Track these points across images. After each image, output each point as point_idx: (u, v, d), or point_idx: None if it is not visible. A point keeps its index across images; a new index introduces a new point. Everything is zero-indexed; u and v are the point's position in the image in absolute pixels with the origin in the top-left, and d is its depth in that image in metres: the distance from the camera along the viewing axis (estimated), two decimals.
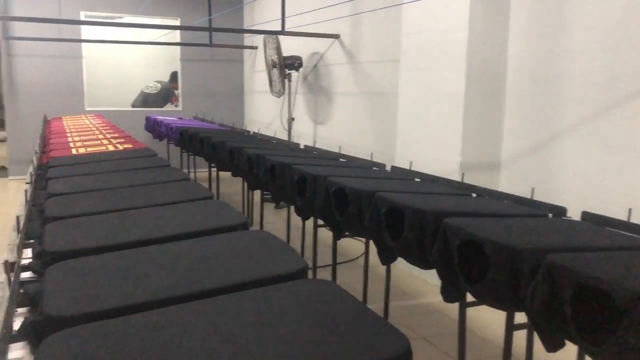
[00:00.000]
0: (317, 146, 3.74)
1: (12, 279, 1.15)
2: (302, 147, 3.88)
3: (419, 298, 3.38)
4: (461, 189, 2.33)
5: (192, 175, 5.13)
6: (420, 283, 3.60)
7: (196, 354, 0.86)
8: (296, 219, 3.27)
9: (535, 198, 2.05)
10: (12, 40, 6.59)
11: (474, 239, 1.46)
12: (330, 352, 0.85)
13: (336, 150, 3.52)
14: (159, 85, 8.07)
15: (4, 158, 7.38)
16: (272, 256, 1.28)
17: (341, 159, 3.25)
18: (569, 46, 2.92)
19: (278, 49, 5.48)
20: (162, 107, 7.92)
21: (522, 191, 2.89)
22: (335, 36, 5.20)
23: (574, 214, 1.91)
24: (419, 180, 2.59)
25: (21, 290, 1.22)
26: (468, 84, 3.23)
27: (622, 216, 1.73)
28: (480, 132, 3.32)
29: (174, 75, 7.91)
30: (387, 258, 2.01)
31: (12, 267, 1.34)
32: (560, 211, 1.89)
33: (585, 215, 1.81)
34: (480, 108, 3.29)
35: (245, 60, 7.83)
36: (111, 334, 0.92)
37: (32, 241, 1.56)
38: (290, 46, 5.77)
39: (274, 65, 5.58)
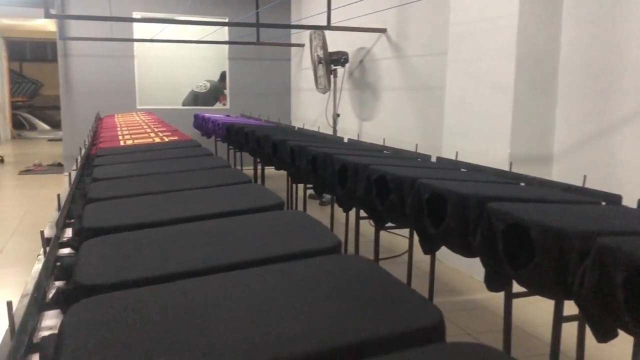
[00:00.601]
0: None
1: (47, 251, 1.16)
2: (346, 140, 3.85)
3: (465, 294, 3.29)
4: (509, 178, 2.24)
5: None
6: (467, 279, 3.50)
7: (222, 323, 0.83)
8: (340, 215, 3.23)
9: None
10: (68, 41, 6.83)
11: (520, 223, 1.39)
12: (360, 323, 0.81)
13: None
14: (208, 84, 8.21)
15: (61, 155, 7.66)
16: (305, 233, 1.25)
17: (385, 152, 3.20)
18: (626, 32, 2.78)
19: (324, 44, 5.47)
20: (211, 105, 8.06)
21: (577, 183, 2.76)
22: (382, 30, 5.14)
23: (631, 204, 1.80)
24: (464, 170, 2.52)
25: (58, 263, 1.23)
26: (518, 73, 3.12)
27: None
28: (530, 124, 3.20)
29: (223, 75, 8.03)
30: (429, 247, 1.95)
31: (48, 242, 1.36)
32: (614, 199, 1.78)
33: None
34: (530, 98, 3.17)
35: (292, 58, 7.86)
36: (138, 302, 0.91)
37: (72, 221, 1.58)
38: (336, 41, 5.75)
39: (320, 61, 5.56)
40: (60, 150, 7.73)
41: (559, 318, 1.59)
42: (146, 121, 5.17)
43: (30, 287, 0.95)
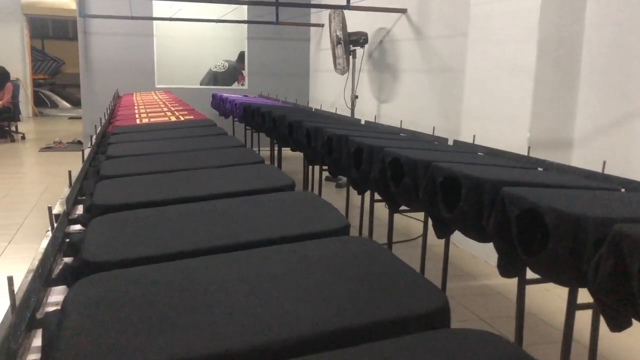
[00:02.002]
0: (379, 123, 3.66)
1: (55, 227, 1.16)
2: (362, 122, 3.81)
3: (480, 279, 3.26)
4: (527, 163, 2.20)
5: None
6: (481, 264, 3.47)
7: (224, 302, 0.83)
8: (356, 198, 3.21)
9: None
10: (88, 19, 6.85)
11: (534, 208, 1.36)
12: (363, 306, 0.79)
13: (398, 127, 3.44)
14: (226, 64, 8.18)
15: (81, 133, 7.73)
16: (314, 215, 1.23)
17: (402, 134, 3.16)
18: None
19: (343, 24, 5.40)
20: (229, 85, 8.03)
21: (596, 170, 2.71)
22: (402, 10, 5.05)
23: None
24: (481, 154, 2.48)
25: (67, 240, 1.24)
26: (539, 55, 3.05)
27: None
28: (551, 108, 3.13)
29: (241, 56, 7.99)
30: (443, 231, 1.93)
31: (57, 218, 1.37)
32: (635, 186, 1.74)
33: None
34: (552, 82, 3.10)
35: (311, 39, 7.79)
36: (142, 279, 0.90)
37: (84, 198, 1.59)
38: (355, 21, 5.68)
39: (339, 42, 5.50)
40: (80, 128, 7.81)
41: (572, 306, 1.56)
42: (164, 100, 5.18)
43: (36, 262, 0.96)
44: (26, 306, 0.83)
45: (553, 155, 3.16)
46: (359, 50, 5.58)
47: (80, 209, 1.57)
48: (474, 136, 2.64)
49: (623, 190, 1.72)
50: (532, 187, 1.58)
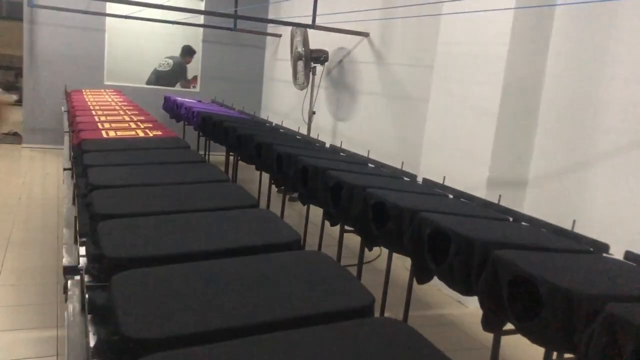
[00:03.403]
0: (337, 143, 3.73)
1: (80, 292, 1.15)
2: (327, 145, 3.87)
3: (435, 308, 3.39)
4: (498, 211, 2.33)
5: (207, 158, 5.13)
6: (435, 292, 3.61)
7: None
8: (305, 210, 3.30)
9: (563, 224, 2.07)
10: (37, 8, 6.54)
11: (528, 277, 1.46)
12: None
13: (359, 150, 3.54)
14: (170, 62, 7.93)
15: (17, 123, 7.35)
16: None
17: (370, 164, 3.25)
18: (608, 73, 2.91)
19: (305, 40, 5.45)
20: (174, 85, 7.81)
21: (548, 213, 2.90)
22: (365, 34, 5.16)
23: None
24: (451, 196, 2.59)
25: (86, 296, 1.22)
26: (503, 100, 3.22)
27: None
28: (510, 150, 3.31)
29: (185, 50, 7.77)
30: (424, 278, 2.02)
31: (66, 270, 1.35)
32: (602, 247, 1.89)
33: (629, 255, 1.81)
34: (512, 125, 3.28)
35: (267, 47, 7.78)
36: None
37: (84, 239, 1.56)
38: (316, 39, 5.74)
39: (300, 57, 5.54)
40: (17, 117, 7.42)
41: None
42: (119, 103, 5.05)
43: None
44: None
45: (509, 193, 3.35)
46: (318, 67, 5.65)
47: (76, 249, 1.54)
48: (444, 177, 2.75)
49: (596, 252, 1.86)
50: (519, 248, 1.68)
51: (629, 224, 2.76)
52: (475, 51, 3.38)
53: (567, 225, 2.10)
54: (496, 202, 2.44)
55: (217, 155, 6.10)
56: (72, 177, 2.22)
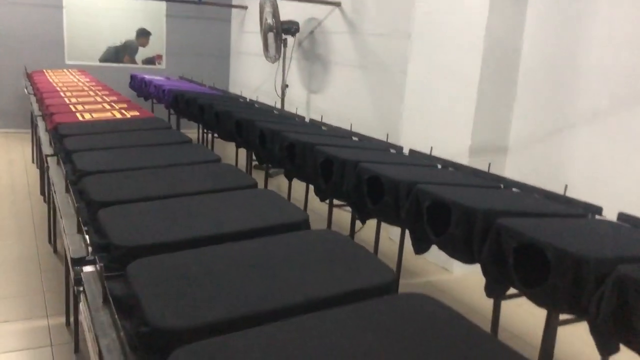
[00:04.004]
0: (311, 116, 3.71)
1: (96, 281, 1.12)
2: (307, 120, 3.84)
3: (422, 276, 3.44)
4: (488, 179, 2.35)
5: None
6: (420, 260, 3.66)
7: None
8: (286, 185, 3.29)
9: (546, 187, 2.13)
10: None
11: (535, 244, 1.49)
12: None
13: (335, 123, 3.54)
14: (123, 39, 7.67)
15: None
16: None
17: (354, 137, 3.24)
18: (586, 35, 2.94)
19: (275, 11, 5.35)
20: (122, 59, 7.51)
21: (530, 178, 2.95)
22: (336, 3, 5.09)
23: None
24: (440, 166, 2.61)
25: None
26: (484, 67, 3.23)
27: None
28: (490, 117, 3.34)
29: (139, 32, 7.54)
30: (422, 249, 2.04)
31: (76, 262, 1.31)
32: (595, 210, 1.93)
33: (622, 216, 1.86)
34: (492, 92, 3.30)
35: (233, 20, 7.61)
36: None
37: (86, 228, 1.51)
38: (286, 10, 5.63)
39: (270, 29, 5.44)
40: None
41: (552, 322, 1.72)
42: (86, 84, 4.88)
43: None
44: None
45: (490, 160, 3.39)
46: (289, 39, 5.56)
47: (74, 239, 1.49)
48: (431, 148, 2.77)
49: (590, 215, 1.91)
50: (520, 216, 1.71)
51: (610, 185, 2.83)
52: (454, 19, 3.37)
53: (552, 189, 2.15)
54: (483, 169, 2.47)
55: (189, 133, 5.99)
56: (58, 163, 2.14)
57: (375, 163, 2.31)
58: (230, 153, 4.33)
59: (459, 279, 3.41)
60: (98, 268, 1.21)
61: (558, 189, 2.16)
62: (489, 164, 2.47)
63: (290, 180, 3.00)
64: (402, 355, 0.88)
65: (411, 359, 0.87)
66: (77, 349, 2.30)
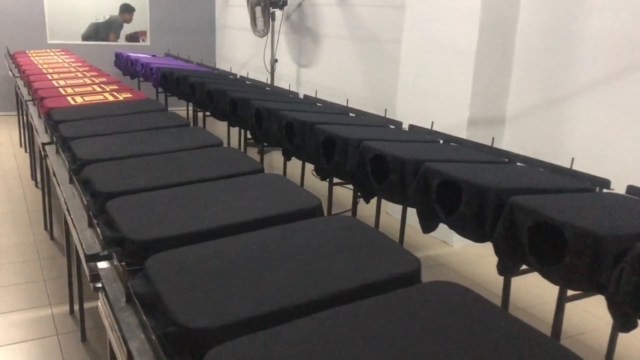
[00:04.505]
0: (301, 91, 3.65)
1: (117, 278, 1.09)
2: (301, 96, 3.79)
3: (423, 250, 3.46)
4: (493, 154, 2.34)
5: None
6: (420, 234, 3.67)
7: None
8: (277, 162, 3.25)
9: (542, 157, 2.14)
10: None
11: (552, 222, 1.48)
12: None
13: (326, 97, 3.50)
14: (107, 16, 7.49)
15: None
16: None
17: (350, 114, 3.20)
18: (585, 6, 2.91)
19: None
20: (107, 37, 7.35)
21: (528, 149, 2.94)
22: None
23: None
24: (441, 141, 2.59)
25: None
26: (481, 37, 3.19)
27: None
28: (488, 88, 3.32)
29: (123, 8, 7.35)
30: (431, 227, 2.03)
31: (90, 258, 1.28)
32: (604, 184, 1.93)
33: (631, 189, 1.86)
34: (490, 63, 3.27)
35: None
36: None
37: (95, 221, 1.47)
38: None
39: (258, 3, 5.33)
40: None
41: (562, 298, 1.73)
42: (72, 64, 4.77)
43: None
44: None
45: (488, 132, 3.38)
46: (277, 12, 5.45)
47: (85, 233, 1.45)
48: (432, 122, 2.74)
49: (597, 189, 1.90)
50: (531, 193, 1.70)
51: (610, 156, 2.83)
52: None
53: (551, 160, 2.15)
54: (482, 142, 2.45)
55: (178, 112, 5.90)
56: (58, 152, 2.09)
57: (378, 141, 2.28)
58: (223, 132, 4.27)
59: (459, 252, 3.43)
60: (116, 264, 1.18)
61: (557, 161, 2.15)
62: (493, 138, 2.45)
63: (288, 159, 2.96)
64: (438, 344, 0.87)
65: (447, 348, 0.86)
66: (84, 338, 2.28)
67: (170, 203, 1.48)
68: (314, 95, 3.62)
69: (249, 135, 3.63)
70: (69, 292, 2.49)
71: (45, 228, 3.37)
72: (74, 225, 1.41)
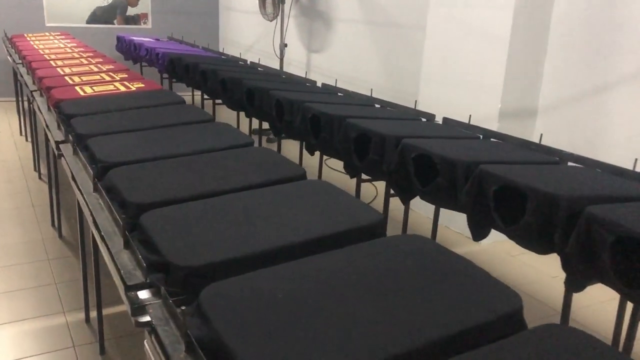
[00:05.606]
0: (312, 77, 3.46)
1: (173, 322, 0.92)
2: (319, 85, 3.59)
3: (451, 248, 3.30)
4: (539, 151, 2.16)
5: None
6: (442, 229, 3.52)
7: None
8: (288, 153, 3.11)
9: (577, 151, 2.04)
10: None
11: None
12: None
13: (340, 84, 3.32)
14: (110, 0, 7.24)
15: None
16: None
17: (376, 105, 3.02)
18: None
19: None
20: (112, 20, 7.10)
21: (561, 142, 2.78)
22: None
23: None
24: (481, 137, 2.42)
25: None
26: (514, 25, 3.01)
27: None
28: (521, 78, 3.14)
29: None
30: (482, 234, 1.86)
31: (130, 288, 1.12)
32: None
33: None
34: (524, 51, 3.09)
35: None
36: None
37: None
38: None
39: None
40: None
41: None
42: (74, 49, 4.55)
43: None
44: None
45: (520, 124, 3.22)
46: None
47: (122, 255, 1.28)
48: (470, 116, 2.57)
49: None
50: (609, 202, 1.54)
51: None
52: None
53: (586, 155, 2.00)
54: (515, 136, 2.29)
55: (184, 96, 5.70)
56: (75, 152, 1.90)
57: (418, 138, 2.11)
58: (230, 119, 4.06)
59: (487, 250, 3.29)
60: (164, 298, 1.01)
61: (594, 156, 1.99)
62: (541, 135, 2.28)
63: (311, 154, 2.79)
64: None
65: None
66: (102, 351, 2.12)
67: (214, 217, 1.31)
68: (329, 83, 3.44)
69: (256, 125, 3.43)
70: (84, 298, 2.32)
71: (53, 225, 3.19)
72: (105, 245, 1.24)
